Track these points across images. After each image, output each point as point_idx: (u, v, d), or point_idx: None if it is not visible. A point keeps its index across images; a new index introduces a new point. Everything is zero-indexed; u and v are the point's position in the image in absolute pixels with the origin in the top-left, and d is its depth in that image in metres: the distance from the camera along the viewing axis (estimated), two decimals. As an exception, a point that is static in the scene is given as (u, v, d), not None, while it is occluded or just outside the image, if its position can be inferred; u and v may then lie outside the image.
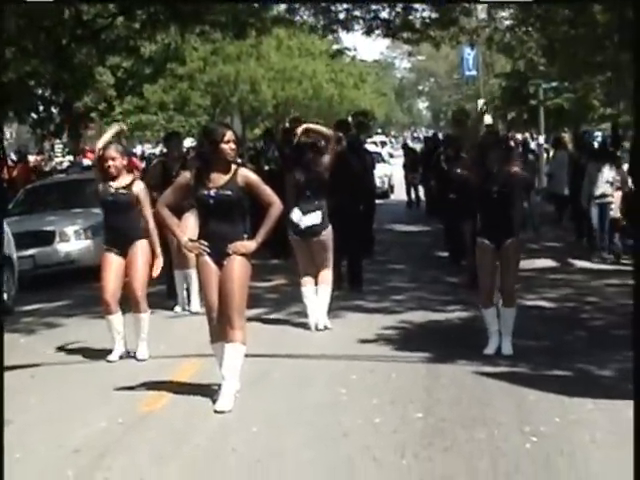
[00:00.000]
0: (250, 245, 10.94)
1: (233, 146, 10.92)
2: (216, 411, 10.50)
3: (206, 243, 10.87)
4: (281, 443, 9.39)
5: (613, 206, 19.60)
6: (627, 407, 9.89)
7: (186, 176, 11.22)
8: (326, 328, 14.73)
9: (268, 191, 11.15)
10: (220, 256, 10.81)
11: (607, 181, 19.44)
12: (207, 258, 10.89)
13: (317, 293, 14.95)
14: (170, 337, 14.55)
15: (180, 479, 8.58)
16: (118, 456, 9.33)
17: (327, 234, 14.62)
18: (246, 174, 11.18)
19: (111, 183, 13.31)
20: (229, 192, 10.80)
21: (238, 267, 10.81)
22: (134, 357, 13.25)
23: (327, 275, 15.06)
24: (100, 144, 13.69)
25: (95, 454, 9.28)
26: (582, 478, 7.98)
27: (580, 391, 10.68)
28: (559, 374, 11.57)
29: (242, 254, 10.83)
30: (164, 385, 11.84)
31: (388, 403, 10.75)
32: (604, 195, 19.46)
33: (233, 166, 10.97)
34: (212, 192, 10.78)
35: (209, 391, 11.25)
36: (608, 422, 9.58)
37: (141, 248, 13.28)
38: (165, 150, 20.44)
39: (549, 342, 13.14)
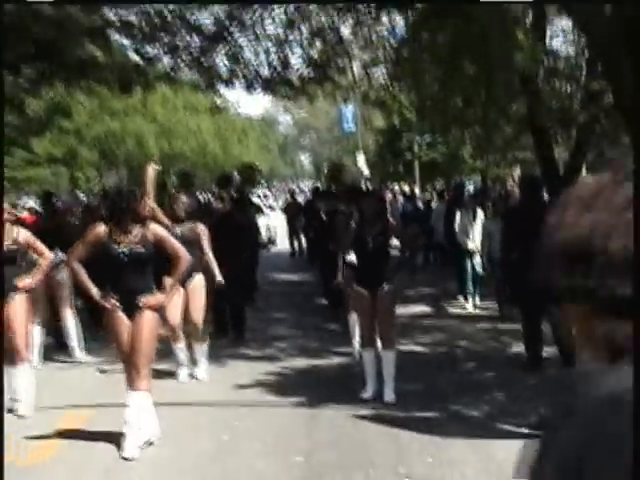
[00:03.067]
0: (160, 298, 11.13)
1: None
2: (124, 458, 10.51)
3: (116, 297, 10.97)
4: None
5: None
6: (496, 445, 10.17)
7: (99, 231, 11.24)
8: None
9: (176, 245, 11.31)
10: (131, 309, 10.93)
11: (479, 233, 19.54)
12: (120, 312, 10.99)
13: None
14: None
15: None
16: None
17: None
18: (155, 230, 11.33)
19: None
20: (142, 249, 10.94)
21: (148, 320, 10.96)
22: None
23: None
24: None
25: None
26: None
27: (452, 431, 10.92)
28: (432, 415, 11.76)
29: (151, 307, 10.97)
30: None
31: (271, 447, 10.90)
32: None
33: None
34: (125, 249, 10.91)
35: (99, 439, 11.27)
36: (478, 460, 9.81)
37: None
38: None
39: (422, 385, 13.22)
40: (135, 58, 28.45)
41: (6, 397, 13.00)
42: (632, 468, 4.99)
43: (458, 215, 21.27)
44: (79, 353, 16.58)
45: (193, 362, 14.90)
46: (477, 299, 21.27)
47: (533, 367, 14.07)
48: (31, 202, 39.55)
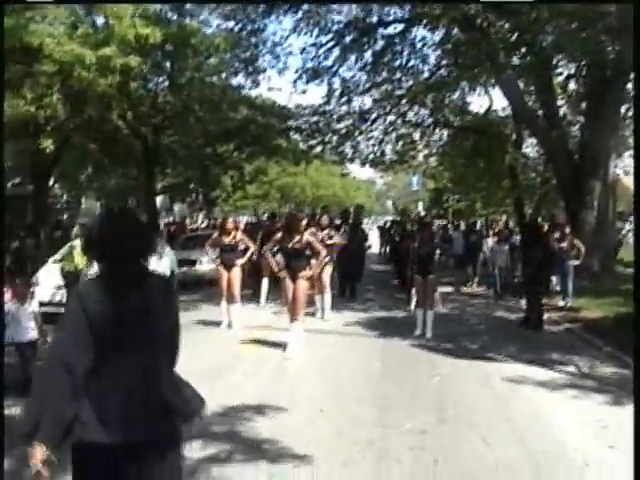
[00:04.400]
0: (309, 273, 11.39)
1: None
2: (286, 357, 10.67)
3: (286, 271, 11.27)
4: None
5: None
6: (484, 364, 10.11)
7: (279, 236, 11.60)
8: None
9: (318, 245, 11.62)
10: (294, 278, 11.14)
11: (504, 253, 18.95)
12: (288, 280, 11.20)
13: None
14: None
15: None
16: (230, 370, 9.55)
17: None
18: (307, 237, 11.48)
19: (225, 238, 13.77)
20: (299, 246, 11.25)
21: (303, 285, 11.19)
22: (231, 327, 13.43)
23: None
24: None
25: (214, 372, 9.47)
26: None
27: (460, 354, 10.87)
28: (450, 346, 11.63)
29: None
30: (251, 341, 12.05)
31: (362, 356, 10.91)
32: (501, 261, 19.04)
33: None
34: (291, 245, 11.23)
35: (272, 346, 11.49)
36: (474, 370, 9.80)
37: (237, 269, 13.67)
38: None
39: (445, 330, 13.08)
40: (302, 146, 28.64)
41: (226, 320, 13.36)
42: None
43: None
44: (263, 301, 16.82)
45: (322, 308, 14.95)
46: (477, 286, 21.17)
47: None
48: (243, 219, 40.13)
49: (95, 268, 3.61)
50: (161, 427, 3.46)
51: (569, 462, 6.09)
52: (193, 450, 6.19)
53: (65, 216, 36.50)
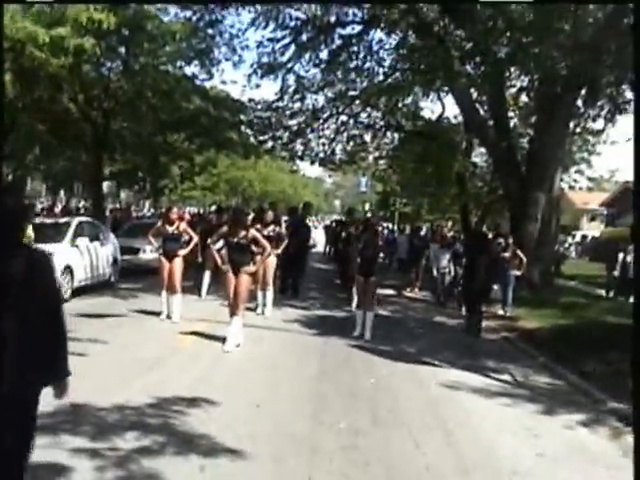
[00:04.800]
0: (252, 268, 11.37)
1: None
2: (225, 350, 10.62)
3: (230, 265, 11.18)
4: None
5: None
6: (420, 368, 10.19)
7: (224, 230, 11.56)
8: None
9: (263, 241, 11.62)
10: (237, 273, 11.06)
11: (447, 259, 19.04)
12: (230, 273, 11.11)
13: None
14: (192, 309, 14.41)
15: (196, 370, 8.74)
16: (166, 362, 9.52)
17: None
18: (252, 232, 11.52)
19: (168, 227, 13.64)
20: (244, 241, 11.18)
21: (245, 280, 11.09)
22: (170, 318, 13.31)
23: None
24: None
25: (151, 363, 9.46)
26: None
27: (398, 357, 10.90)
28: (388, 349, 11.70)
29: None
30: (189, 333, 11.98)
31: (301, 353, 10.98)
32: (444, 267, 19.09)
33: None
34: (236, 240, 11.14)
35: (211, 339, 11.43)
36: (409, 374, 9.87)
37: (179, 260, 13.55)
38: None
39: (385, 332, 13.16)
40: (252, 140, 28.53)
41: (165, 311, 13.26)
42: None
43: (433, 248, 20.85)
44: (204, 294, 16.67)
45: (264, 304, 14.91)
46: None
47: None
48: (190, 209, 39.88)
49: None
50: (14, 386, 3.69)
51: (497, 469, 6.17)
52: (126, 441, 6.15)
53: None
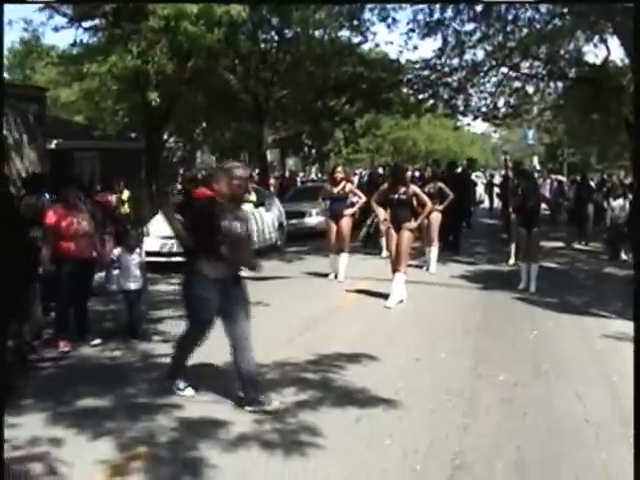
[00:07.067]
0: (413, 224, 11.24)
1: None
2: (386, 306, 10.77)
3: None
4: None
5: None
6: (586, 318, 9.87)
7: (385, 186, 11.50)
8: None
9: (424, 197, 11.57)
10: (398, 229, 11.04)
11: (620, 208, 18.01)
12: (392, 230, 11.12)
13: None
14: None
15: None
16: (328, 320, 9.72)
17: None
18: (413, 188, 11.46)
19: (334, 188, 13.71)
20: (404, 197, 11.13)
21: (407, 236, 11.07)
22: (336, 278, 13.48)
23: None
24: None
25: (313, 321, 9.68)
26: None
27: (562, 309, 10.64)
28: (553, 301, 11.44)
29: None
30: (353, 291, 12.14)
31: (462, 306, 10.95)
32: (617, 217, 18.04)
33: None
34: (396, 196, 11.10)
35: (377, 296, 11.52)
36: (574, 325, 9.59)
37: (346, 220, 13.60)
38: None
39: (550, 283, 12.86)
40: (413, 100, 28.32)
41: (333, 272, 13.48)
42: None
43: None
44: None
45: (428, 261, 14.86)
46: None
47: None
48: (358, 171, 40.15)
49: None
50: None
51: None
52: (284, 396, 6.35)
53: (181, 170, 37.38)
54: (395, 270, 11.09)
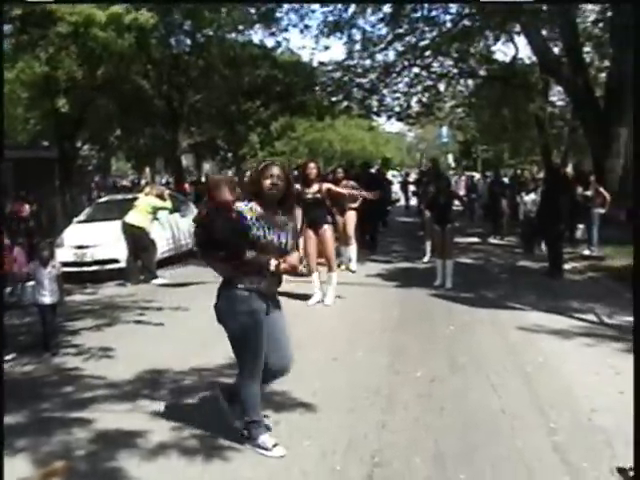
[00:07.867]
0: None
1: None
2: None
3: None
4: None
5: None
6: (502, 312, 10.01)
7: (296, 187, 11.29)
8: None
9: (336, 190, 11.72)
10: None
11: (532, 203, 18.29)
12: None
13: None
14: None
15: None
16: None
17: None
18: (326, 185, 11.38)
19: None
20: (318, 195, 11.02)
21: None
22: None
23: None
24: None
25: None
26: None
27: (479, 303, 10.78)
28: (469, 296, 11.61)
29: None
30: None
31: (381, 303, 10.98)
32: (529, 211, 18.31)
33: None
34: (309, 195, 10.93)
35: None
36: (490, 319, 9.71)
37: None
38: None
39: (464, 279, 13.04)
40: (326, 102, 28.47)
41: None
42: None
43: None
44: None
45: (349, 259, 14.82)
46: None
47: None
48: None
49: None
50: None
51: (576, 407, 5.99)
52: (203, 401, 6.23)
53: (97, 178, 36.69)
54: (329, 269, 11.13)
